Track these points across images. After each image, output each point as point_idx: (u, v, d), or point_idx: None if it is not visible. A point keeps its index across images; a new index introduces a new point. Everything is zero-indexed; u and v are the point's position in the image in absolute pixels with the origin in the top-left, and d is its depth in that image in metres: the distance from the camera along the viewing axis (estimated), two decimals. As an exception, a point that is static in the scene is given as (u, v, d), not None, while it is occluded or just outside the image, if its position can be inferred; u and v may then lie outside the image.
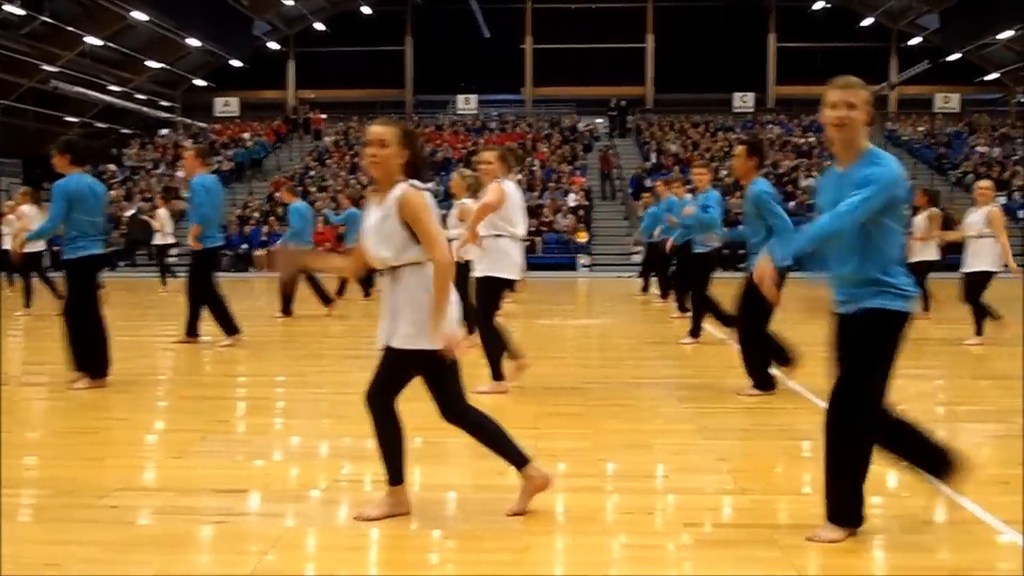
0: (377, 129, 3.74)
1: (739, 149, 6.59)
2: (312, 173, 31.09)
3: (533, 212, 26.64)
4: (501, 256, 6.55)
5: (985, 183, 9.99)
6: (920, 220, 11.52)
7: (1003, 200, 25.80)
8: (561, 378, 7.40)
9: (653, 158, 30.89)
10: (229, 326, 9.04)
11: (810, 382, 7.14)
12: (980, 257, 9.39)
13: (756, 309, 6.35)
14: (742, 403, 6.20)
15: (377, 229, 3.73)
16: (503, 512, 3.99)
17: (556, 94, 41.47)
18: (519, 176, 29.48)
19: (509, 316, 12.20)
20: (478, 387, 6.72)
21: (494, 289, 6.60)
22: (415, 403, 6.13)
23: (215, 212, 9.09)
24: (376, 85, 42.15)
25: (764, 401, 6.30)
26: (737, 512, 4.06)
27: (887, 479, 4.59)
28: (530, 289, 16.95)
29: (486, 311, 6.66)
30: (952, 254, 11.05)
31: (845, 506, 3.64)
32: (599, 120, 36.67)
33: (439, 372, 3.80)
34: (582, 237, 26.13)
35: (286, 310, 11.86)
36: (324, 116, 36.77)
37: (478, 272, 6.60)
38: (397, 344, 3.75)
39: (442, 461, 4.89)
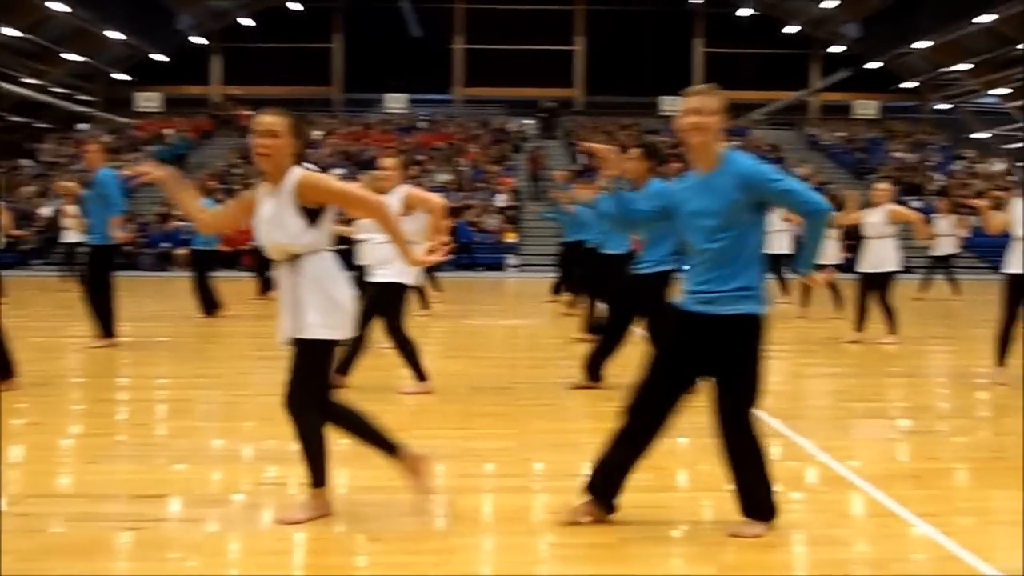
0: (267, 119, 3.69)
1: (635, 151, 6.53)
2: (238, 170, 30.59)
3: (462, 212, 26.62)
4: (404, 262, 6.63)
5: (883, 185, 10.22)
6: None
7: (918, 204, 26.53)
8: (488, 378, 7.40)
9: (581, 160, 31.08)
10: (109, 328, 8.82)
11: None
12: (883, 258, 9.62)
13: (628, 309, 6.64)
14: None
15: (275, 218, 3.69)
16: (427, 513, 3.99)
17: (486, 94, 41.48)
18: (447, 176, 29.44)
19: (436, 317, 12.17)
20: (403, 388, 6.70)
21: (401, 295, 6.60)
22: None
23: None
24: (304, 82, 41.64)
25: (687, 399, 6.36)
26: (661, 510, 4.11)
27: (806, 475, 4.69)
28: (458, 289, 16.91)
29: (396, 317, 6.66)
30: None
31: (758, 500, 3.74)
32: (528, 121, 36.78)
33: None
34: (510, 237, 26.18)
35: (207, 309, 11.65)
36: (250, 113, 36.18)
37: (382, 278, 6.52)
38: (306, 335, 3.71)
39: (366, 463, 4.84)
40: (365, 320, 6.64)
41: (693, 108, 3.61)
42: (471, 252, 24.84)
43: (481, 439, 5.33)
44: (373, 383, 7.04)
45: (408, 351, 6.69)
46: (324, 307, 3.71)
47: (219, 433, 5.59)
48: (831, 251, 11.91)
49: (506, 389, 6.94)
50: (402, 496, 4.25)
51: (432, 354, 8.95)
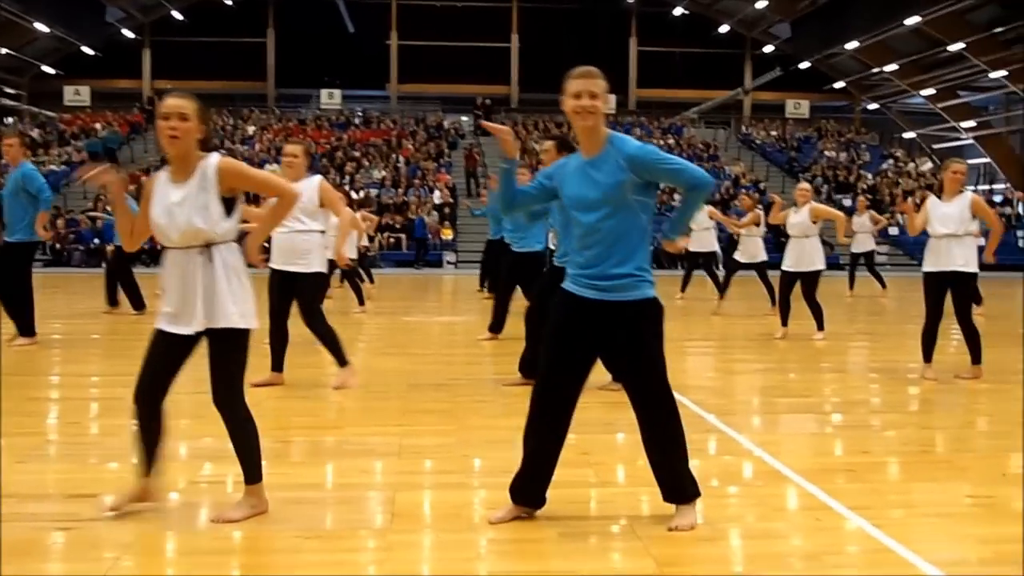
0: (177, 102, 3.62)
1: (548, 144, 6.52)
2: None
3: (399, 209, 26.50)
4: (325, 252, 6.71)
5: (804, 185, 10.44)
6: (746, 219, 12.28)
7: (848, 203, 27.11)
8: (426, 375, 7.38)
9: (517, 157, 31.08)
10: (30, 327, 8.61)
11: (670, 378, 7.34)
12: (811, 257, 9.82)
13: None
14: (604, 398, 6.30)
15: (192, 203, 3.61)
16: (368, 511, 3.96)
17: (422, 91, 41.35)
18: (383, 173, 29.27)
19: (373, 314, 12.10)
20: (333, 383, 6.65)
21: (324, 284, 6.63)
22: (274, 401, 6.02)
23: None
24: (236, 77, 41.06)
25: (624, 395, 6.41)
26: (600, 505, 4.14)
27: (743, 469, 4.76)
28: (395, 286, 16.84)
29: (318, 305, 6.68)
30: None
31: (684, 483, 3.81)
32: (464, 118, 36.74)
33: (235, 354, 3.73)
34: (447, 234, 26.14)
35: (136, 305, 11.42)
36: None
37: (310, 268, 6.53)
38: (225, 324, 3.65)
39: (303, 461, 4.81)
40: (316, 312, 6.63)
41: (585, 91, 3.61)
42: (427, 248, 24.79)
43: (419, 436, 5.32)
44: (306, 380, 6.99)
45: (332, 338, 6.69)
46: (240, 296, 3.68)
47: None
48: (759, 250, 12.18)
49: (444, 386, 6.93)
50: (339, 493, 4.23)
51: (370, 351, 8.92)
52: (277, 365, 6.71)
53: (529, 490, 3.82)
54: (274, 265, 6.58)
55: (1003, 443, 5.45)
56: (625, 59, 42.14)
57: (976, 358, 7.45)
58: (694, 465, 4.59)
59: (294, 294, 6.59)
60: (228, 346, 3.69)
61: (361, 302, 12.24)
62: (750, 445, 5.20)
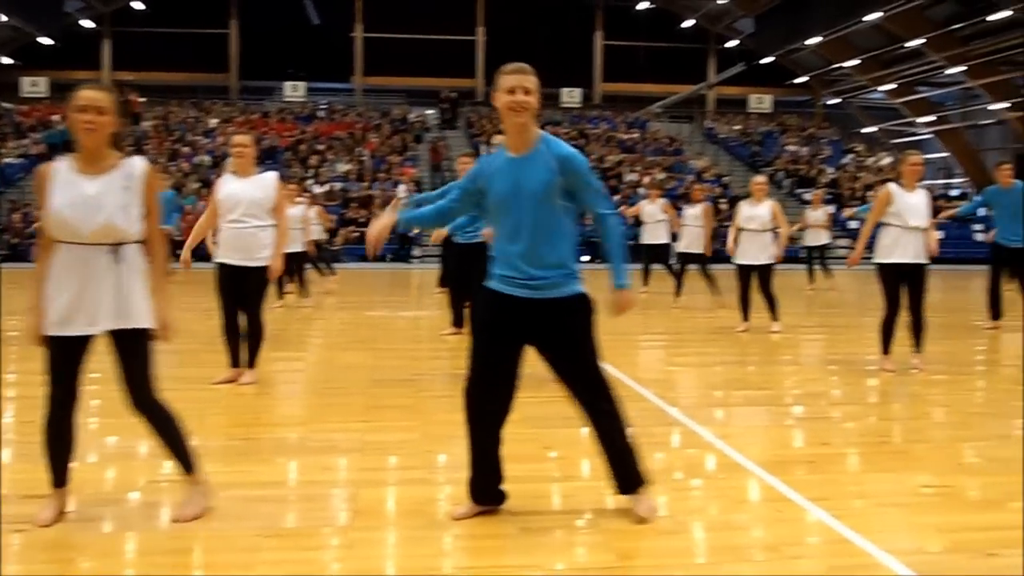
0: (94, 94, 3.56)
1: (467, 159, 6.61)
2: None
3: (363, 202, 26.36)
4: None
5: (761, 178, 10.51)
6: (696, 212, 12.39)
7: (809, 196, 27.33)
8: (390, 370, 7.36)
9: (483, 151, 31.12)
10: None
11: (630, 371, 7.38)
12: (767, 250, 9.91)
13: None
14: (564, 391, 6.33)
15: (112, 201, 3.56)
16: (330, 508, 3.95)
17: (387, 84, 41.15)
18: (348, 166, 29.10)
19: (337, 309, 12.04)
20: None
21: (268, 282, 6.57)
22: (235, 399, 5.98)
23: None
24: (198, 69, 40.60)
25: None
26: (563, 499, 4.16)
27: (705, 462, 4.79)
28: (360, 281, 16.77)
29: (263, 301, 6.66)
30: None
31: (633, 471, 3.86)
32: (430, 111, 36.62)
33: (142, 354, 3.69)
34: (413, 228, 26.01)
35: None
36: (143, 99, 35.10)
37: (262, 263, 6.48)
38: (137, 324, 3.61)
39: (265, 458, 4.77)
40: (259, 307, 6.58)
41: (519, 86, 3.60)
42: (409, 243, 24.68)
43: (383, 432, 5.30)
44: (267, 377, 6.94)
45: (260, 339, 6.64)
46: (146, 295, 3.65)
47: (112, 430, 5.42)
48: (704, 242, 12.30)
49: (408, 381, 6.91)
50: (299, 490, 4.21)
51: (333, 346, 8.88)
52: (235, 361, 6.66)
53: (484, 488, 3.84)
54: (224, 260, 6.49)
55: (959, 433, 5.53)
56: (591, 53, 42.22)
57: (921, 347, 7.58)
58: (657, 458, 4.63)
59: (244, 288, 6.52)
60: (140, 346, 3.66)
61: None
62: (711, 438, 5.24)
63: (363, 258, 22.68)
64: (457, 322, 9.09)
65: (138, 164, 3.65)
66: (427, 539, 3.61)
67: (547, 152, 3.65)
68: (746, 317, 9.99)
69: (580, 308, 3.74)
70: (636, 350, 9.07)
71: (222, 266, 6.50)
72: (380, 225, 3.89)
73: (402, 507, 4.01)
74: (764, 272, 9.94)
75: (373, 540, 3.60)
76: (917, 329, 7.55)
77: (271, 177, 6.57)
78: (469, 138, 33.57)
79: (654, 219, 13.76)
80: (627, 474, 3.86)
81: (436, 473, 4.56)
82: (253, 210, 6.39)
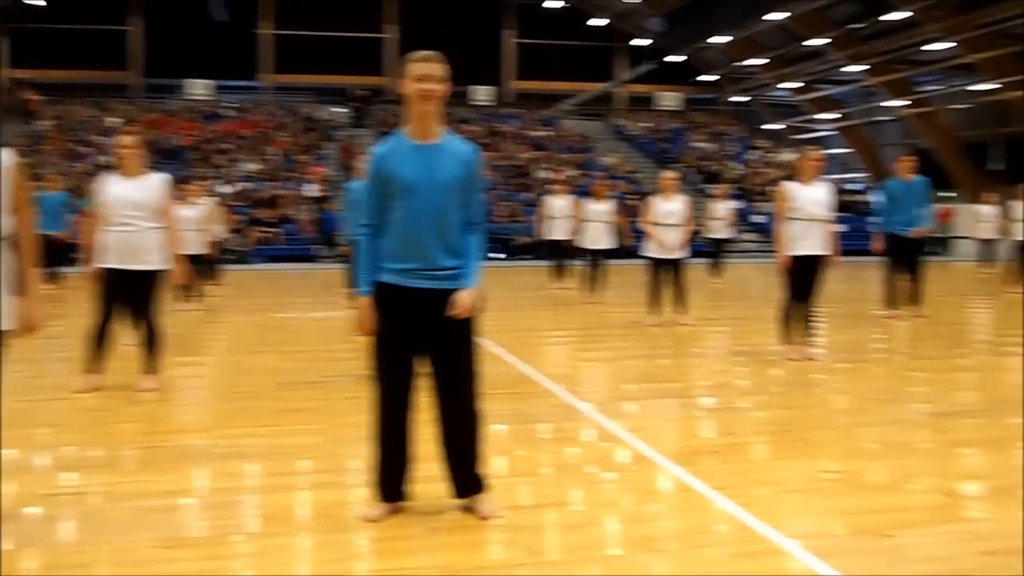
0: None
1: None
2: (25, 159, 28.59)
3: (271, 203, 25.95)
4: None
5: (672, 173, 10.67)
6: (601, 208, 12.55)
7: (715, 191, 27.85)
8: (299, 373, 7.25)
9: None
10: None
11: (540, 367, 7.42)
12: (675, 244, 10.06)
13: None
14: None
15: None
16: (239, 515, 3.87)
17: (296, 82, 40.53)
18: (255, 165, 28.60)
19: (244, 312, 11.82)
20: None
21: (160, 284, 6.43)
22: (138, 406, 5.81)
23: None
24: (99, 66, 39.36)
25: (499, 387, 6.45)
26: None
27: (616, 455, 4.84)
28: (268, 282, 16.50)
29: (158, 305, 6.50)
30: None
31: (478, 474, 3.87)
32: (340, 109, 36.23)
33: None
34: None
35: None
36: (41, 98, 33.91)
37: (152, 266, 6.31)
38: (4, 326, 3.49)
39: (170, 467, 4.65)
40: (156, 312, 6.41)
41: (430, 75, 3.59)
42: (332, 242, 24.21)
43: (291, 436, 5.22)
44: (171, 383, 6.78)
45: (159, 344, 6.47)
46: (11, 295, 3.53)
47: (10, 442, 5.21)
48: (602, 236, 12.46)
49: (317, 383, 6.82)
50: (210, 498, 4.12)
51: (240, 350, 8.71)
52: (95, 367, 6.37)
53: (394, 486, 3.81)
54: (110, 264, 6.23)
55: (858, 419, 5.71)
56: (503, 51, 42.30)
57: (814, 337, 7.82)
58: (568, 453, 4.67)
59: (133, 293, 6.31)
60: (1, 350, 3.54)
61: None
62: (621, 431, 5.30)
63: (272, 259, 22.33)
64: None
65: (6, 157, 3.51)
66: (338, 543, 3.58)
67: (456, 146, 3.68)
68: (658, 311, 10.12)
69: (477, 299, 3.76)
70: (546, 346, 9.13)
71: (108, 271, 6.24)
72: (367, 314, 3.73)
73: (312, 511, 3.96)
74: (678, 266, 10.10)
75: (283, 546, 3.55)
76: (809, 322, 7.77)
77: (159, 179, 6.36)
78: (380, 136, 33.33)
79: (561, 214, 13.87)
80: (472, 477, 3.86)
81: (346, 476, 4.51)
82: (139, 212, 6.20)
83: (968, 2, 28.15)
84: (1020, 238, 15.63)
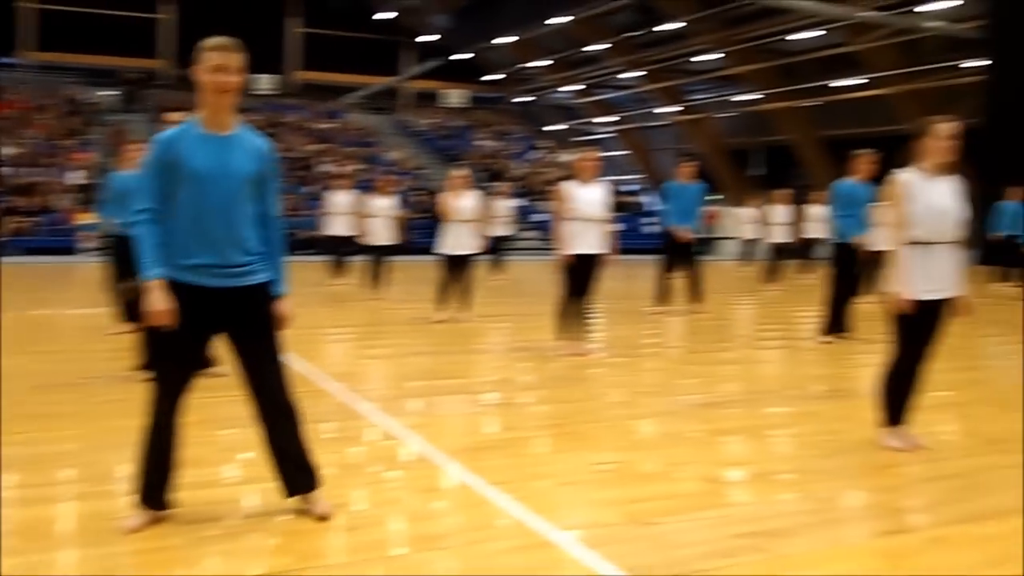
0: None
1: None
2: None
3: (27, 190, 24.12)
4: None
5: (462, 171, 10.75)
6: (385, 204, 12.56)
7: (498, 189, 28.33)
8: (56, 374, 6.73)
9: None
10: None
11: (320, 365, 7.26)
12: (468, 241, 10.14)
13: None
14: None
15: None
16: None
17: (60, 60, 37.84)
18: (14, 150, 26.47)
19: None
20: None
21: None
22: None
23: None
24: None
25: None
26: (245, 503, 3.97)
27: (398, 454, 4.78)
28: (22, 277, 15.29)
29: None
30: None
31: (308, 471, 3.75)
32: (109, 92, 34.13)
33: None
34: (85, 218, 24.07)
35: None
36: None
37: None
38: None
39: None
40: None
41: (229, 64, 3.45)
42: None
43: (47, 443, 4.83)
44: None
45: None
46: None
47: None
48: (386, 232, 12.45)
49: (75, 385, 6.34)
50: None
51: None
52: None
53: (159, 494, 3.59)
54: None
55: (631, 411, 5.94)
56: (286, 39, 41.23)
57: (589, 332, 8.07)
58: (348, 453, 4.57)
59: None
60: None
61: None
62: (403, 429, 5.24)
63: (29, 251, 20.75)
64: (132, 317, 8.48)
65: None
66: (95, 557, 3.33)
67: (252, 139, 3.55)
68: (447, 307, 10.13)
69: (271, 297, 3.63)
70: (326, 344, 8.93)
71: None
72: (160, 299, 3.42)
73: (67, 524, 3.66)
74: (469, 263, 10.17)
75: (32, 564, 3.25)
76: (586, 319, 8.01)
77: None
78: (154, 122, 31.67)
79: (343, 210, 13.64)
80: (301, 475, 3.74)
81: (106, 484, 4.19)
82: None
83: (734, 17, 30.02)
84: (777, 240, 16.82)
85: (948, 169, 4.83)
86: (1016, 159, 19.56)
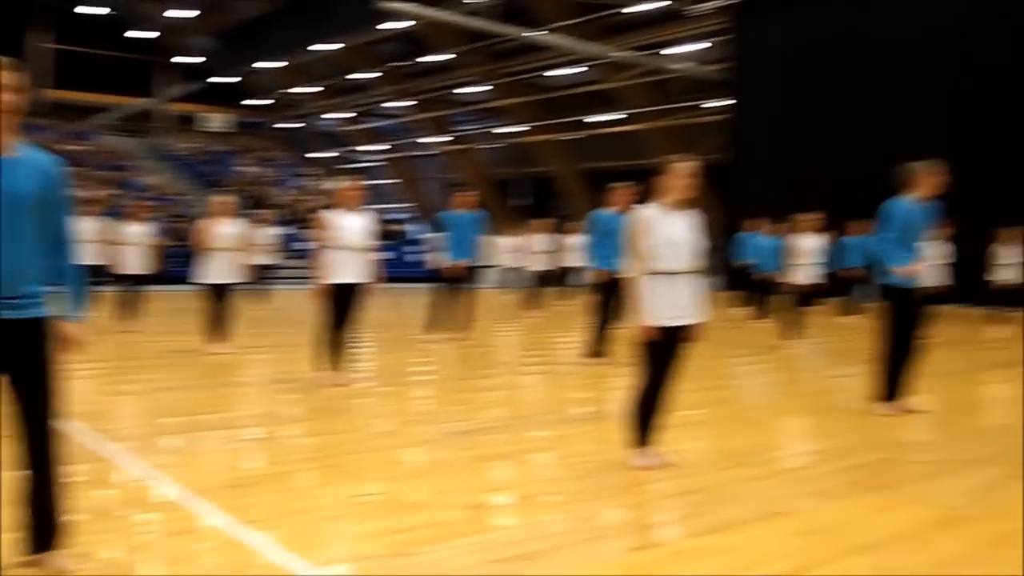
0: None
1: None
2: None
3: None
4: None
5: (227, 197, 10.37)
6: (139, 231, 12.06)
7: (261, 216, 27.65)
8: None
9: None
10: None
11: (67, 406, 6.77)
12: (231, 269, 9.83)
13: None
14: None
15: None
16: None
17: None
18: None
19: None
20: None
21: None
22: None
23: None
24: None
25: (8, 430, 5.76)
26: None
27: (149, 496, 4.53)
28: None
29: None
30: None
31: (56, 525, 3.49)
32: None
33: None
34: None
35: None
36: None
37: None
38: None
39: None
40: None
41: (11, 85, 3.24)
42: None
43: None
44: None
45: None
46: None
47: None
48: (139, 261, 11.97)
49: None
50: None
51: None
52: None
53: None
54: None
55: (396, 440, 5.92)
56: (28, 55, 38.48)
57: (349, 362, 8.01)
58: (92, 496, 4.30)
59: None
60: None
61: None
62: (154, 470, 4.97)
63: None
64: None
65: None
66: None
67: (39, 159, 3.31)
68: (219, 338, 9.74)
69: (51, 333, 3.38)
70: (69, 380, 8.33)
71: None
72: None
73: None
74: (229, 292, 9.84)
75: None
76: (350, 345, 7.94)
77: None
78: None
79: (89, 237, 12.84)
80: (49, 529, 3.46)
81: None
82: None
83: (499, 52, 30.93)
84: (537, 268, 17.39)
85: (687, 204, 5.19)
86: (757, 193, 21.28)
